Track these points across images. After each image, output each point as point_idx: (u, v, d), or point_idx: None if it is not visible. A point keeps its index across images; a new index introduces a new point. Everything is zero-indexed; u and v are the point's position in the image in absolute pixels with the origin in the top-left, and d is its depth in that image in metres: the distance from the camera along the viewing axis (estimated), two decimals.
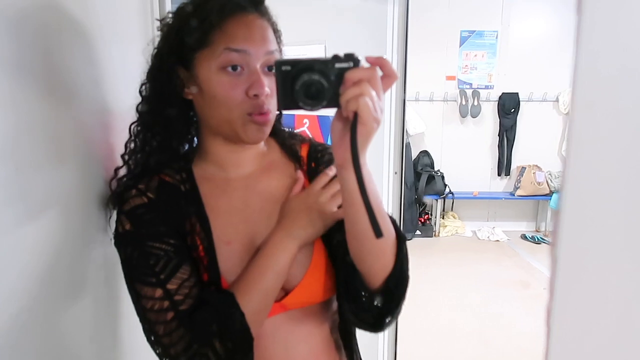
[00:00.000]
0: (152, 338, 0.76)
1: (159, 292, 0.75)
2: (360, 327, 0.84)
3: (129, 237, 0.78)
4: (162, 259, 0.76)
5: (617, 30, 0.28)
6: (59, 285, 0.74)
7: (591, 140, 0.29)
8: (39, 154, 0.67)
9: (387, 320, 0.78)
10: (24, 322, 0.64)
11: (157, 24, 0.84)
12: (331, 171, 0.83)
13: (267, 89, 0.76)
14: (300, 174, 0.86)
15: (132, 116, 0.86)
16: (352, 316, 0.81)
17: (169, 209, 0.81)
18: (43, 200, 0.68)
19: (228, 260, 0.81)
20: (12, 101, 0.60)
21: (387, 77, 0.62)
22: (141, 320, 0.77)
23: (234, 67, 0.76)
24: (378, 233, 0.57)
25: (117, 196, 0.82)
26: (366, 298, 0.77)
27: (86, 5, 0.85)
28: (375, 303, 0.76)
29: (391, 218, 0.76)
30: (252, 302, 0.76)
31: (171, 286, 0.75)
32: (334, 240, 0.83)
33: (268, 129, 0.81)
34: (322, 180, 0.83)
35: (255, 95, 0.76)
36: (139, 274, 0.76)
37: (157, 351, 0.76)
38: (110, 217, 0.86)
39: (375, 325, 0.80)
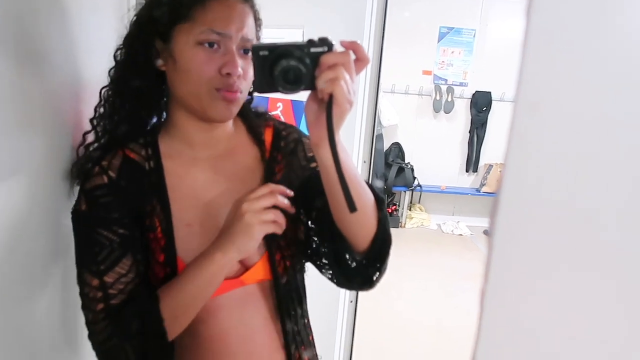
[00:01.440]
0: (85, 318, 0.79)
1: (95, 282, 0.77)
2: (352, 288, 0.89)
3: (82, 218, 0.80)
4: (105, 249, 0.78)
5: (561, 35, 0.30)
6: (25, 251, 0.74)
7: (530, 141, 0.32)
8: (6, 118, 0.66)
9: (375, 278, 0.82)
10: None
11: None
12: (268, 187, 0.77)
13: (240, 70, 0.77)
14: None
15: (104, 83, 0.85)
16: (343, 280, 0.85)
17: (129, 190, 0.81)
18: (10, 166, 0.68)
19: (187, 242, 0.82)
20: None
21: (360, 61, 0.65)
22: (80, 299, 0.80)
23: (211, 44, 0.77)
24: (352, 208, 0.62)
25: (80, 169, 0.82)
26: (356, 261, 0.81)
27: None
28: (364, 264, 0.81)
29: (368, 184, 0.80)
30: (174, 308, 0.77)
31: (108, 279, 0.77)
32: (314, 205, 0.84)
33: (236, 108, 0.81)
34: (260, 191, 0.77)
35: (228, 74, 0.77)
36: (83, 258, 0.79)
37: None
38: (73, 187, 0.86)
39: (365, 284, 0.84)
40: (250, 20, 0.81)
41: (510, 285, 0.33)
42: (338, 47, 0.65)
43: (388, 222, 0.81)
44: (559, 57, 0.30)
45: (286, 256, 0.88)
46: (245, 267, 0.86)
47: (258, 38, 0.85)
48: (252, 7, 0.82)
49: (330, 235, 0.81)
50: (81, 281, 0.79)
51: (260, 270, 0.86)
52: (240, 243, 0.75)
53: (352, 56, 0.64)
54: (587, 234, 0.32)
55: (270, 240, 0.85)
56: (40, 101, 0.77)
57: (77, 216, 0.80)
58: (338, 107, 0.63)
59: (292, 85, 0.64)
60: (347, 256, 0.82)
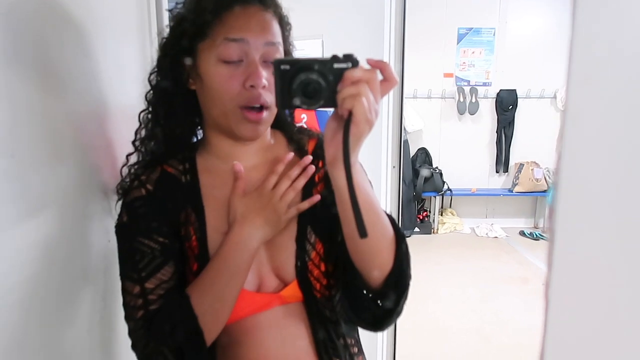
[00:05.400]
0: (128, 329, 0.79)
1: (136, 289, 0.77)
2: (361, 326, 0.83)
3: (124, 229, 0.81)
4: (147, 257, 0.78)
5: (612, 24, 0.28)
6: (56, 280, 0.75)
7: (585, 134, 0.29)
8: (36, 147, 0.67)
9: (387, 320, 0.78)
10: (22, 319, 0.64)
11: (166, 14, 0.85)
12: (279, 167, 0.83)
13: (264, 81, 0.76)
14: (238, 166, 0.82)
15: (132, 106, 0.87)
16: (352, 315, 0.81)
17: (166, 200, 0.82)
18: (42, 195, 0.69)
19: None
20: (8, 94, 0.60)
21: (387, 82, 0.62)
22: (124, 310, 0.80)
23: (232, 59, 0.76)
24: (362, 233, 0.57)
25: (122, 186, 0.84)
26: (366, 297, 0.77)
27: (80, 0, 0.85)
28: (376, 302, 0.76)
29: (390, 217, 0.76)
30: (206, 304, 0.76)
31: (149, 285, 0.77)
32: (338, 237, 0.81)
33: (262, 127, 0.81)
34: (271, 180, 0.82)
35: (252, 87, 0.76)
36: (125, 268, 0.80)
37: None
38: (116, 204, 0.87)
39: (375, 324, 0.79)
40: (274, 27, 0.79)
41: (574, 291, 0.31)
42: (363, 65, 0.62)
43: (408, 260, 0.76)
44: (607, 48, 0.28)
45: (323, 274, 0.84)
46: (284, 283, 0.84)
47: (289, 44, 0.85)
48: (276, 12, 0.81)
49: (344, 266, 0.78)
50: (124, 291, 0.79)
51: (298, 289, 0.83)
52: (265, 231, 0.80)
53: (379, 76, 0.61)
54: None
55: (303, 256, 0.83)
56: (67, 129, 0.78)
57: (120, 228, 0.81)
58: (356, 127, 0.59)
59: (310, 99, 0.61)
60: (359, 290, 0.77)
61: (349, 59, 0.61)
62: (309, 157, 0.83)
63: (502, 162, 5.33)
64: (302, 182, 0.82)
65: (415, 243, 4.95)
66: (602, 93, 0.29)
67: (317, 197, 0.82)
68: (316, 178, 0.87)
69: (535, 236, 5.06)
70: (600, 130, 0.30)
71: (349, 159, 0.59)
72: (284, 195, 0.81)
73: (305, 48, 1.65)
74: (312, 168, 0.82)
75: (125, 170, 0.86)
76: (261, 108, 0.78)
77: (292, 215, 0.81)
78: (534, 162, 5.17)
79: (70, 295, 0.81)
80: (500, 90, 5.18)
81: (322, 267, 0.84)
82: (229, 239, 0.78)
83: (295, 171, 0.83)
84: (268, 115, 0.80)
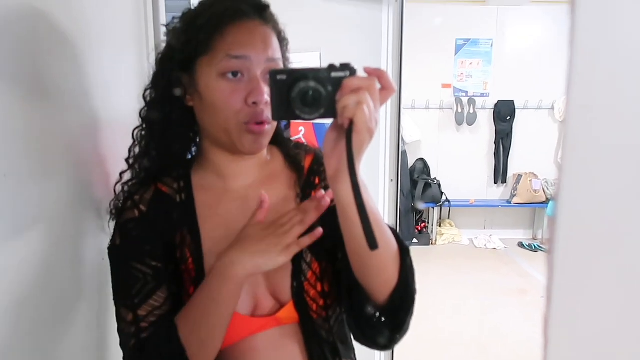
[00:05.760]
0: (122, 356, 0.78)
1: (130, 316, 0.76)
2: (368, 346, 0.80)
3: (117, 252, 0.79)
4: (139, 282, 0.76)
5: (610, 32, 0.27)
6: (49, 299, 0.73)
7: (586, 146, 0.29)
8: (27, 164, 0.66)
9: (394, 337, 0.76)
10: (13, 339, 0.62)
11: (163, 29, 0.84)
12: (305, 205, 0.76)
13: (266, 97, 0.74)
14: (265, 197, 0.77)
15: (126, 122, 0.86)
16: (358, 334, 0.79)
17: (160, 222, 0.80)
18: (33, 212, 0.67)
19: None
20: None
21: (385, 90, 0.61)
22: (119, 337, 0.79)
23: (234, 74, 0.74)
24: (373, 244, 0.55)
25: (115, 205, 0.82)
26: (372, 315, 0.75)
27: (74, 12, 0.84)
28: (381, 319, 0.74)
29: (393, 230, 0.74)
30: (194, 335, 0.73)
31: (141, 312, 0.76)
32: (338, 254, 0.80)
33: (265, 140, 0.79)
34: (290, 215, 0.76)
35: (254, 103, 0.74)
36: (119, 293, 0.78)
37: None
38: (109, 221, 0.86)
39: (383, 343, 0.77)
40: (274, 42, 0.78)
41: (577, 312, 0.30)
42: (360, 74, 0.61)
43: (413, 274, 0.74)
44: (607, 57, 0.28)
45: (320, 294, 0.83)
46: (280, 304, 0.82)
47: (286, 59, 0.83)
48: (275, 27, 0.80)
49: (348, 283, 0.76)
50: (118, 317, 0.77)
51: (294, 310, 0.81)
52: (260, 262, 0.73)
53: (377, 84, 0.60)
54: None
55: (300, 276, 0.81)
56: (59, 144, 0.77)
57: (113, 251, 0.80)
58: (357, 135, 0.57)
59: (310, 108, 0.59)
60: (365, 308, 0.75)
61: (347, 67, 0.59)
62: (322, 192, 0.76)
63: (500, 173, 5.33)
64: (313, 218, 0.75)
65: (413, 254, 4.86)
66: (603, 102, 0.29)
67: (319, 232, 0.74)
68: (312, 194, 0.85)
69: (533, 247, 5.04)
70: (601, 140, 0.29)
71: (354, 169, 0.57)
72: (290, 231, 0.74)
73: (304, 61, 1.65)
74: (327, 202, 0.74)
75: (118, 188, 0.85)
76: (263, 123, 0.76)
77: (293, 252, 0.74)
78: (532, 173, 5.17)
79: (63, 314, 0.79)
80: (498, 101, 5.19)
81: (319, 287, 0.82)
82: (215, 266, 0.74)
83: (309, 205, 0.76)
84: (270, 128, 0.78)
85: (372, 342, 0.78)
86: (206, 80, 0.76)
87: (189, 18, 0.78)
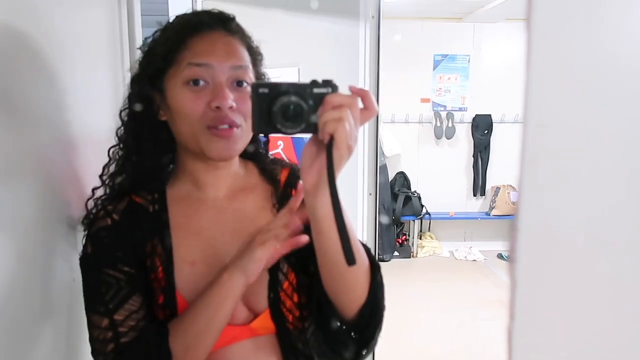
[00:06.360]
0: None
1: (105, 322, 0.75)
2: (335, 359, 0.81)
3: (89, 260, 0.79)
4: (113, 288, 0.76)
5: (564, 52, 0.28)
6: (12, 317, 0.72)
7: (543, 158, 0.30)
8: None
9: (362, 353, 0.76)
10: None
11: (138, 52, 0.86)
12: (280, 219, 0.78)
13: (231, 102, 0.75)
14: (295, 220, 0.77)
15: (100, 139, 0.86)
16: (326, 348, 0.79)
17: (132, 230, 0.80)
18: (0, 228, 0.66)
19: (192, 281, 0.79)
20: None
21: (367, 111, 0.61)
22: (90, 346, 0.77)
23: (196, 82, 0.75)
24: (351, 260, 0.55)
25: (87, 217, 0.82)
26: (340, 329, 0.75)
27: (45, 27, 0.84)
28: (350, 334, 0.74)
29: (365, 246, 0.75)
30: (184, 341, 0.74)
31: (118, 317, 0.75)
32: (310, 268, 0.80)
33: (235, 145, 0.79)
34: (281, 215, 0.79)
35: (218, 108, 0.75)
36: (91, 301, 0.77)
37: None
38: (83, 237, 0.85)
39: (349, 357, 0.77)
40: (240, 51, 0.79)
41: (538, 311, 0.31)
42: (342, 91, 0.61)
43: (382, 291, 0.74)
44: (563, 74, 0.29)
45: (296, 305, 0.83)
46: (254, 314, 0.82)
47: (259, 73, 0.84)
48: (243, 39, 0.81)
49: (317, 297, 0.77)
50: (91, 325, 0.76)
51: (270, 320, 0.82)
52: (243, 263, 0.75)
53: (360, 104, 0.61)
54: (606, 248, 0.30)
55: (276, 286, 0.81)
56: (29, 160, 0.76)
57: (84, 259, 0.80)
58: (337, 151, 0.58)
59: (291, 122, 0.59)
60: (333, 322, 0.75)
61: (329, 84, 0.60)
62: (293, 206, 0.77)
63: (479, 185, 5.40)
64: (297, 222, 0.76)
65: (394, 267, 4.95)
66: (558, 119, 0.30)
67: (305, 239, 0.75)
68: None
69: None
70: (557, 155, 0.30)
71: (335, 185, 0.57)
72: (271, 229, 0.77)
73: (282, 76, 1.66)
74: (298, 226, 0.76)
75: (91, 204, 0.84)
76: (230, 127, 0.77)
77: (270, 247, 0.75)
78: (510, 186, 5.25)
79: (28, 332, 0.77)
80: (476, 115, 5.28)
81: (295, 298, 0.82)
82: (217, 276, 0.76)
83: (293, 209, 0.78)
84: (240, 133, 0.78)
85: (338, 357, 0.79)
86: (172, 90, 0.77)
87: (157, 35, 0.80)
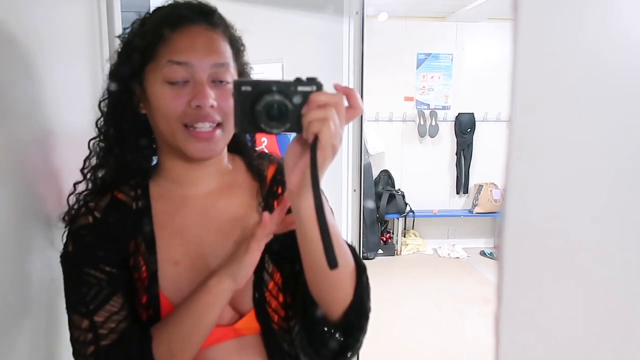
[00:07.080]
0: None
1: (85, 323, 0.73)
2: None
3: (70, 259, 0.77)
4: (93, 288, 0.74)
5: (549, 41, 0.28)
6: None
7: (530, 150, 0.29)
8: None
9: (346, 354, 0.75)
10: None
11: (117, 41, 0.83)
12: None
13: (212, 101, 0.73)
14: (266, 217, 0.75)
15: (80, 134, 0.84)
16: (310, 349, 0.78)
17: (114, 229, 0.78)
18: None
19: (176, 282, 0.78)
20: None
21: (352, 109, 0.60)
22: (72, 346, 0.76)
23: (177, 80, 0.74)
24: (333, 263, 0.53)
25: (69, 213, 0.80)
26: (325, 331, 0.74)
27: (24, 21, 0.82)
28: (335, 336, 0.73)
29: (351, 247, 0.74)
30: (168, 347, 0.72)
31: (98, 318, 0.73)
32: (295, 268, 0.79)
33: (216, 146, 0.77)
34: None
35: (198, 107, 0.73)
36: (72, 301, 0.75)
37: None
38: (63, 234, 0.83)
39: (334, 359, 0.77)
40: (222, 47, 0.77)
41: (524, 305, 0.31)
42: (327, 89, 0.59)
43: (368, 292, 0.73)
44: (549, 72, 0.29)
45: (281, 305, 0.82)
46: (239, 314, 0.81)
47: (243, 65, 0.82)
48: (225, 32, 0.79)
49: (302, 299, 0.76)
50: (71, 325, 0.75)
51: (255, 320, 0.80)
52: (232, 269, 0.74)
53: (345, 102, 0.59)
54: (593, 246, 0.30)
55: (261, 286, 0.80)
56: (5, 155, 0.74)
57: (65, 258, 0.78)
58: (322, 151, 0.56)
59: (276, 122, 0.57)
60: (318, 323, 0.75)
61: (313, 82, 0.58)
62: (267, 216, 0.75)
63: (462, 183, 5.45)
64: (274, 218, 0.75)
65: (379, 265, 4.97)
66: (545, 106, 0.30)
67: (265, 217, 0.74)
68: (275, 204, 0.85)
69: (495, 256, 5.15)
70: (545, 142, 0.30)
71: (318, 185, 0.56)
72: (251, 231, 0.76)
73: (265, 72, 1.65)
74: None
75: (72, 199, 0.82)
76: (213, 127, 0.75)
77: (254, 248, 0.74)
78: (493, 184, 5.31)
79: (5, 332, 0.75)
80: (459, 113, 5.32)
81: (280, 298, 0.81)
82: (204, 281, 0.75)
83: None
84: (222, 134, 0.77)
85: (323, 358, 0.78)
86: (152, 86, 0.75)
87: (136, 27, 0.78)
